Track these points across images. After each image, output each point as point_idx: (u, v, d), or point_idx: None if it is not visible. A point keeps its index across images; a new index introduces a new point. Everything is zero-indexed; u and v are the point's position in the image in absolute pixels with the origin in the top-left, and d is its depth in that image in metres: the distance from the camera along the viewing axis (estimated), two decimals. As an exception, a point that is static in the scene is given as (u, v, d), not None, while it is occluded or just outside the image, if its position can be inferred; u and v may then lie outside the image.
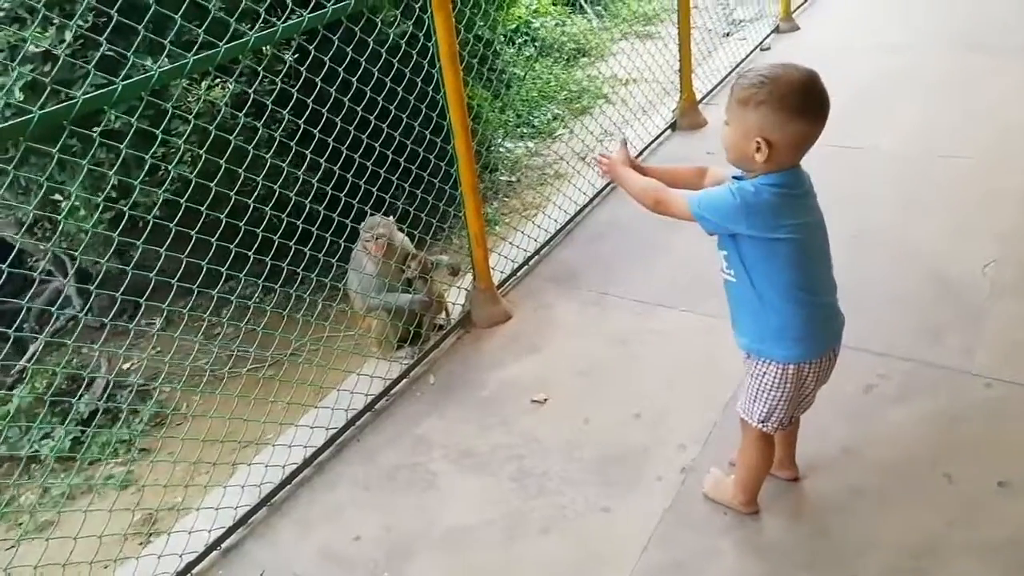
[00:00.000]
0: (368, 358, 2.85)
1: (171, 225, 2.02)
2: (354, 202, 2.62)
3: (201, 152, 2.10)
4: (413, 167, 2.91)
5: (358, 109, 2.56)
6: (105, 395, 3.00)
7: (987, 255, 2.86)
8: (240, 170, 2.19)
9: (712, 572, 1.92)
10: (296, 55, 2.77)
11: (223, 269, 2.20)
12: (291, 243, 2.38)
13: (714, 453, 2.22)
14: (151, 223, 2.02)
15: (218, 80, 2.66)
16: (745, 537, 1.99)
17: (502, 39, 4.85)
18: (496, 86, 4.52)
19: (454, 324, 2.99)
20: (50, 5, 2.49)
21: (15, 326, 1.85)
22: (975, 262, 2.83)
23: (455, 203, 3.03)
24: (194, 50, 1.95)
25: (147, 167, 2.08)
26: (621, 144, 1.90)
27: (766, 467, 1.96)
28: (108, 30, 1.91)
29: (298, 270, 2.49)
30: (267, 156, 2.27)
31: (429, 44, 2.59)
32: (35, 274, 3.50)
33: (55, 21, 2.37)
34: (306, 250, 2.46)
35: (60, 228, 2.71)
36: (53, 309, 2.64)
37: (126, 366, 3.33)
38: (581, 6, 6.75)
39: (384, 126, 2.72)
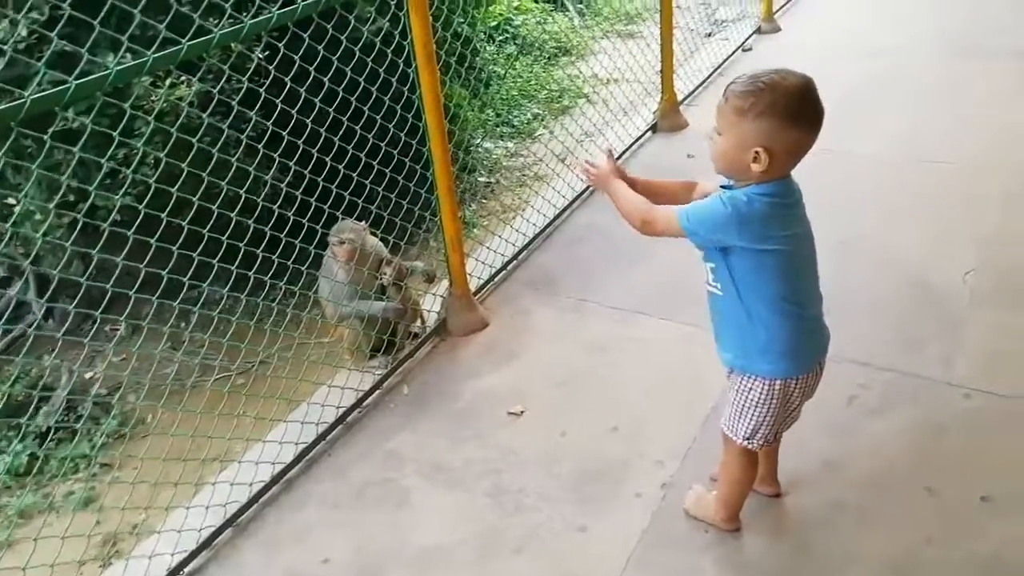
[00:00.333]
0: (340, 368, 2.77)
1: (129, 233, 1.93)
2: (325, 207, 2.53)
3: (162, 156, 2.00)
4: (387, 170, 2.82)
5: (330, 110, 2.47)
6: (62, 408, 2.89)
7: (968, 262, 2.84)
8: (204, 174, 2.09)
9: (693, 593, 1.87)
10: (266, 52, 2.68)
11: (185, 279, 2.10)
12: (258, 250, 2.28)
13: (694, 468, 2.17)
14: (110, 228, 1.92)
15: (183, 79, 2.55)
16: (726, 555, 1.94)
17: (482, 36, 4.78)
18: (475, 85, 4.44)
19: (429, 332, 2.91)
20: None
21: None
22: (956, 269, 2.81)
23: (431, 207, 2.94)
24: (154, 47, 1.85)
25: (107, 170, 1.98)
26: (608, 155, 1.81)
27: (749, 483, 1.91)
28: (64, 24, 1.81)
29: (266, 278, 2.39)
30: (234, 159, 2.17)
31: (405, 43, 2.51)
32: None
33: (8, 14, 2.26)
34: (275, 257, 2.36)
35: (11, 234, 2.58)
36: None
37: (88, 375, 3.21)
38: (563, 3, 6.68)
39: (357, 128, 2.63)
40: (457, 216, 2.82)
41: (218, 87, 2.16)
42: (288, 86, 2.32)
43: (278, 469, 2.35)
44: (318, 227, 2.55)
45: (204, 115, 2.16)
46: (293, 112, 2.33)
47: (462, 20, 3.77)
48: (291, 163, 2.40)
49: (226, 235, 2.17)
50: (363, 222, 2.78)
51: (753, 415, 1.72)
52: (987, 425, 2.17)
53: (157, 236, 1.99)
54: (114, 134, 1.85)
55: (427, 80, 2.54)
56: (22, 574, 1.86)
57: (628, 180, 1.78)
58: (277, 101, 2.28)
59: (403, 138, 2.86)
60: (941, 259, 2.89)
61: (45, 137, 1.74)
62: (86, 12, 1.84)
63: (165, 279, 2.07)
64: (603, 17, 6.69)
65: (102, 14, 1.81)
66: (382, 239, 2.88)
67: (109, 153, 1.93)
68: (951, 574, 1.81)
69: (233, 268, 2.21)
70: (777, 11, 5.82)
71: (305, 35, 2.35)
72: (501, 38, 5.71)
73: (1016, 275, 2.75)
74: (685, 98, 4.61)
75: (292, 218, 2.41)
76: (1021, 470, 2.02)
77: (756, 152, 1.49)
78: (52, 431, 2.83)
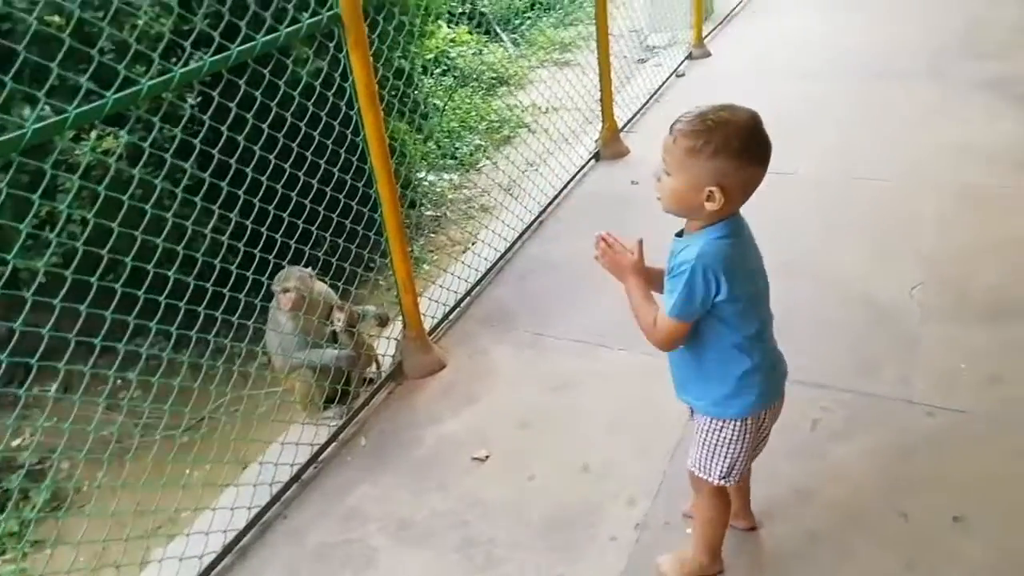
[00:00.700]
0: (292, 423, 2.64)
1: (55, 302, 1.78)
2: (270, 257, 2.42)
3: (89, 216, 1.87)
4: (334, 215, 2.72)
5: (270, 157, 2.37)
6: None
7: (912, 278, 2.90)
8: (138, 233, 1.96)
9: (676, 639, 1.81)
10: (200, 98, 2.57)
11: (119, 346, 1.96)
12: (199, 308, 2.16)
13: (666, 505, 2.13)
14: (36, 292, 1.78)
15: (109, 131, 2.41)
16: (707, 595, 1.90)
17: (420, 70, 4.73)
18: (415, 119, 4.38)
19: (384, 377, 2.81)
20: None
21: None
22: (901, 286, 2.87)
23: (380, 249, 2.86)
24: (76, 101, 1.74)
25: (28, 233, 1.83)
26: (638, 245, 1.65)
27: (726, 519, 1.86)
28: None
29: (209, 337, 2.26)
30: (169, 214, 2.05)
31: (346, 84, 2.43)
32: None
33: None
34: (218, 314, 2.24)
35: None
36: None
37: (15, 443, 2.99)
38: (498, 35, 6.72)
39: (300, 174, 2.53)
40: (408, 257, 2.75)
41: (149, 138, 2.03)
42: (224, 135, 2.21)
43: (230, 537, 2.21)
44: (263, 279, 2.43)
45: (135, 170, 2.03)
46: (231, 161, 2.23)
47: (401, 56, 3.72)
48: (231, 214, 2.28)
49: (163, 295, 2.05)
50: (309, 268, 2.68)
51: (727, 453, 1.68)
52: (950, 443, 2.19)
53: (89, 299, 1.86)
54: (33, 197, 1.72)
55: (371, 120, 2.47)
56: None
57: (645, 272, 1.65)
58: (214, 152, 2.17)
59: (348, 181, 2.77)
60: (885, 276, 2.95)
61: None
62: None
63: (99, 347, 1.93)
64: (538, 46, 6.75)
65: (15, 68, 1.68)
66: (331, 285, 2.77)
67: (31, 214, 1.80)
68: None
69: (172, 329, 2.08)
70: (706, 36, 5.97)
71: (240, 81, 2.26)
72: (438, 71, 5.69)
73: (960, 289, 2.82)
74: (624, 125, 4.66)
75: (235, 271, 2.29)
76: (986, 487, 2.04)
77: (710, 191, 1.45)
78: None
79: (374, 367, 2.90)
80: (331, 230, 2.75)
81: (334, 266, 2.76)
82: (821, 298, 2.89)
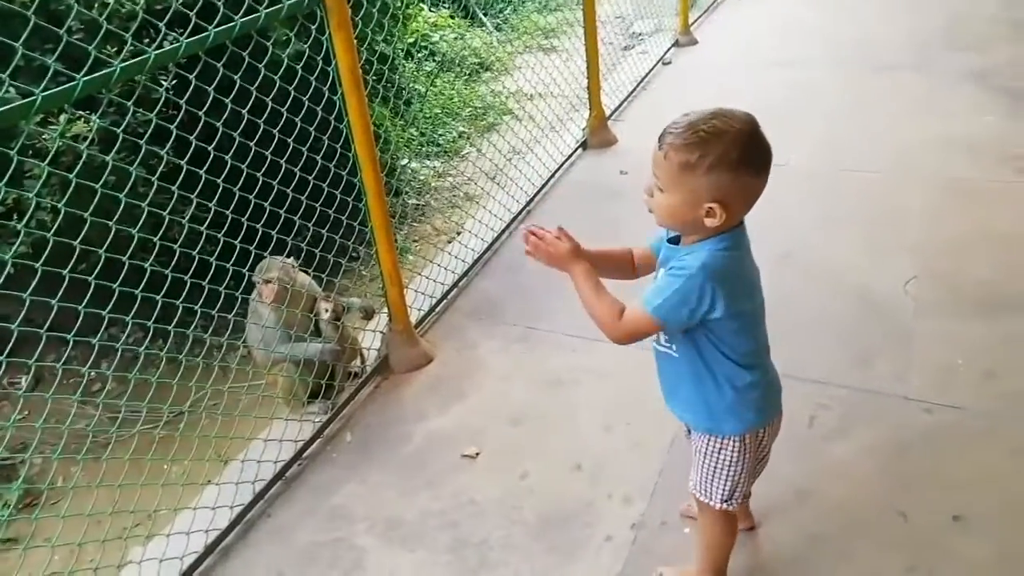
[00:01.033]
0: (276, 419, 2.55)
1: (25, 296, 1.68)
2: (251, 248, 2.32)
3: (59, 205, 1.76)
4: (317, 204, 2.63)
5: (250, 144, 2.27)
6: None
7: (905, 271, 2.87)
8: (110, 222, 1.86)
9: (674, 642, 1.77)
10: (175, 81, 2.46)
11: (93, 341, 1.86)
12: (178, 302, 2.06)
13: (663, 504, 2.08)
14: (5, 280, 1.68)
15: (79, 115, 2.29)
16: (705, 597, 1.85)
17: (401, 54, 4.62)
18: (397, 104, 4.28)
19: (370, 371, 2.73)
20: None
21: None
22: (895, 279, 2.84)
23: (365, 240, 2.77)
24: (43, 84, 1.63)
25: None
26: (559, 231, 1.56)
27: (732, 541, 1.77)
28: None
29: (188, 331, 2.17)
30: (143, 203, 1.95)
31: (329, 68, 2.33)
32: None
33: None
34: (197, 307, 2.14)
35: None
36: None
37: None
38: (480, 19, 6.60)
39: (282, 160, 2.43)
40: (394, 248, 2.66)
41: (123, 123, 1.92)
42: (202, 120, 2.11)
43: (212, 537, 2.13)
44: (244, 270, 2.34)
45: (108, 156, 1.92)
46: (209, 148, 2.12)
47: (382, 39, 3.61)
48: (210, 203, 2.18)
49: (139, 287, 1.95)
50: (291, 259, 2.59)
51: (728, 475, 1.60)
52: (949, 440, 2.16)
53: (61, 291, 1.76)
54: None
55: (355, 106, 2.37)
56: None
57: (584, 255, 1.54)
58: (190, 138, 2.07)
59: (332, 169, 2.67)
60: (879, 269, 2.92)
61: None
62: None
63: (71, 341, 1.83)
64: (522, 31, 6.64)
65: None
66: (315, 277, 2.68)
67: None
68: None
69: (149, 323, 1.98)
70: (692, 23, 5.91)
71: (218, 64, 2.15)
72: (420, 55, 5.57)
73: (953, 283, 2.80)
74: (612, 113, 4.58)
75: (214, 262, 2.20)
76: (985, 485, 2.01)
77: (710, 208, 1.34)
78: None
79: (359, 361, 2.82)
80: (314, 219, 2.65)
81: (317, 256, 2.67)
82: (818, 293, 2.84)
